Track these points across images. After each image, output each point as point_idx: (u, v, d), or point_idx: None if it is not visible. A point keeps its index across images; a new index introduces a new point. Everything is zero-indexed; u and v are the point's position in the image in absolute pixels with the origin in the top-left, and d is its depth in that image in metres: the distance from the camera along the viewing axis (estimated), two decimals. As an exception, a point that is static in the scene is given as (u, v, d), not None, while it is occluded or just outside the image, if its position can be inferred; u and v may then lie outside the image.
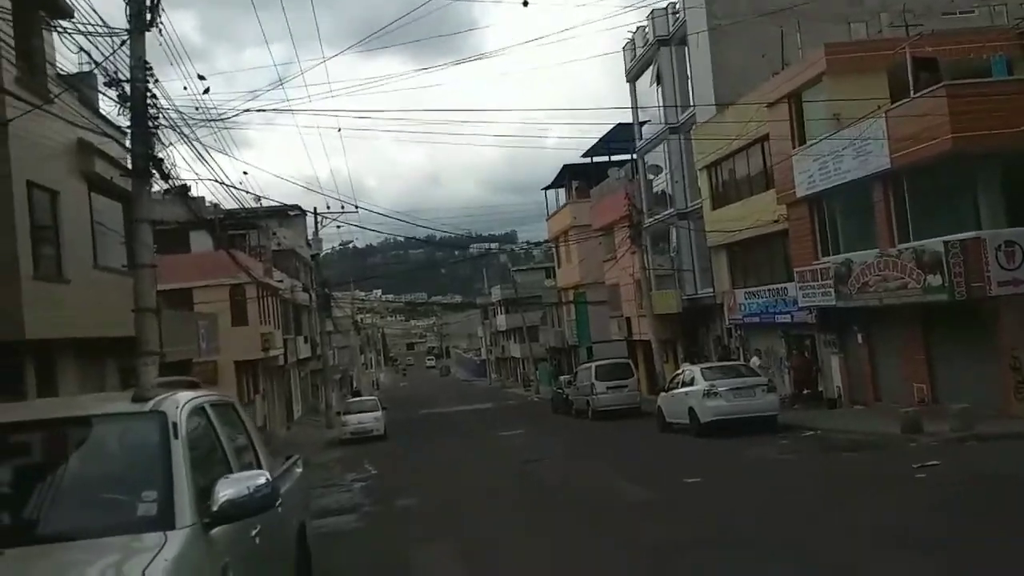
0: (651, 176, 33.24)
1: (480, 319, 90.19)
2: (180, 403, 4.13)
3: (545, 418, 32.24)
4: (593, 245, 39.17)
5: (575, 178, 44.54)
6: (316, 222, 37.03)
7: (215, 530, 3.60)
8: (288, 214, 42.85)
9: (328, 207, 36.59)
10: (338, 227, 37.66)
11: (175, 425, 3.86)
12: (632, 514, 10.21)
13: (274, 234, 32.74)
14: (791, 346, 24.33)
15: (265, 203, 33.19)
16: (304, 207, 43.63)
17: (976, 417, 14.57)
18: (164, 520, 3.38)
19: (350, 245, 47.08)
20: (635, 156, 35.42)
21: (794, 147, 21.00)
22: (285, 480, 5.94)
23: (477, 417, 35.72)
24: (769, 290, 24.31)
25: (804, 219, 21.38)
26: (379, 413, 29.40)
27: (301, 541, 5.91)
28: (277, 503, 5.21)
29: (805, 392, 23.00)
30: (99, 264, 14.99)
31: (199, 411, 4.36)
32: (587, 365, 30.77)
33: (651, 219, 31.98)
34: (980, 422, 14.51)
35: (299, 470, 6.68)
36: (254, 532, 4.24)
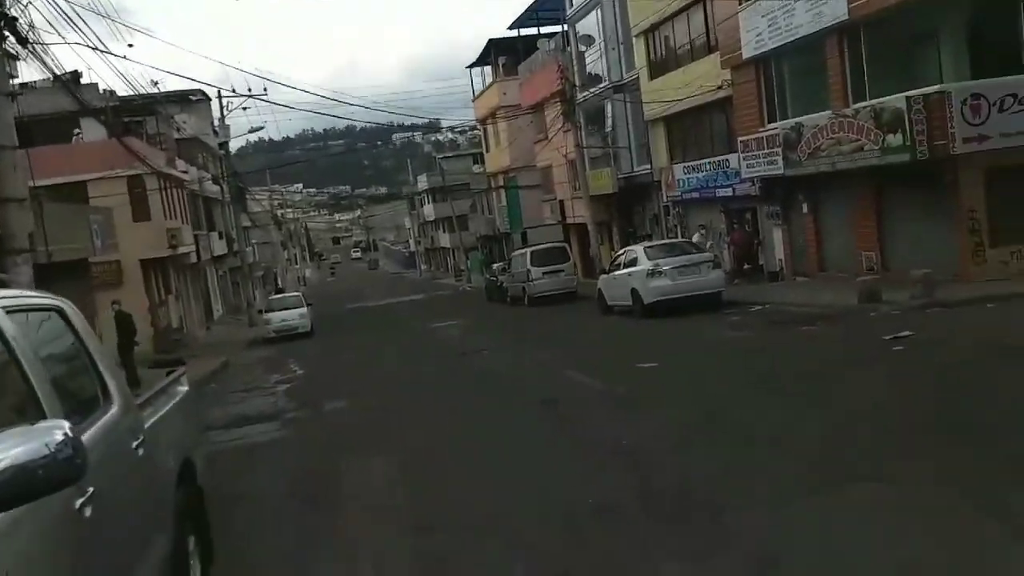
0: (583, 48, 31.13)
1: (407, 210, 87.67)
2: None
3: (480, 307, 31.16)
4: (523, 125, 37.23)
5: (501, 54, 41.93)
6: (221, 105, 33.99)
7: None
8: (190, 99, 39.29)
9: (234, 90, 33.30)
10: (245, 109, 34.50)
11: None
12: (588, 407, 9.09)
13: (172, 118, 29.71)
14: (732, 221, 23.49)
15: (165, 89, 30.08)
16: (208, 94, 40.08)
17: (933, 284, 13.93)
18: None
19: (262, 131, 43.76)
20: (566, 26, 33.11)
21: (740, 3, 19.37)
22: (157, 406, 4.45)
23: (409, 309, 34.45)
24: (710, 163, 23.19)
25: (750, 83, 20.04)
26: (304, 309, 27.75)
27: (186, 481, 4.48)
28: (135, 445, 3.74)
29: (746, 267, 22.40)
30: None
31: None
32: (522, 251, 29.56)
33: (585, 94, 30.16)
34: (938, 289, 13.88)
35: (182, 388, 5.17)
36: (80, 502, 2.76)
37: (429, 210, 70.94)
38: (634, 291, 18.05)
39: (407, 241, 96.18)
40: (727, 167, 22.16)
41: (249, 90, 37.00)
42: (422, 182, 73.00)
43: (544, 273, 27.21)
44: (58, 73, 14.03)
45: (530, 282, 27.21)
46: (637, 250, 19.29)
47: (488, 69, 44.81)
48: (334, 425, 10.56)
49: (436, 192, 65.25)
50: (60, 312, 3.63)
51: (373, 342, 22.00)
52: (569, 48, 32.47)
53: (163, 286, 28.66)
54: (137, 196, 25.48)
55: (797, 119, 18.15)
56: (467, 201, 56.29)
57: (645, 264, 17.90)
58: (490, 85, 43.47)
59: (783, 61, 19.06)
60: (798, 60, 18.63)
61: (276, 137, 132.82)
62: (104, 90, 28.23)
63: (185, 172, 31.51)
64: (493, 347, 16.72)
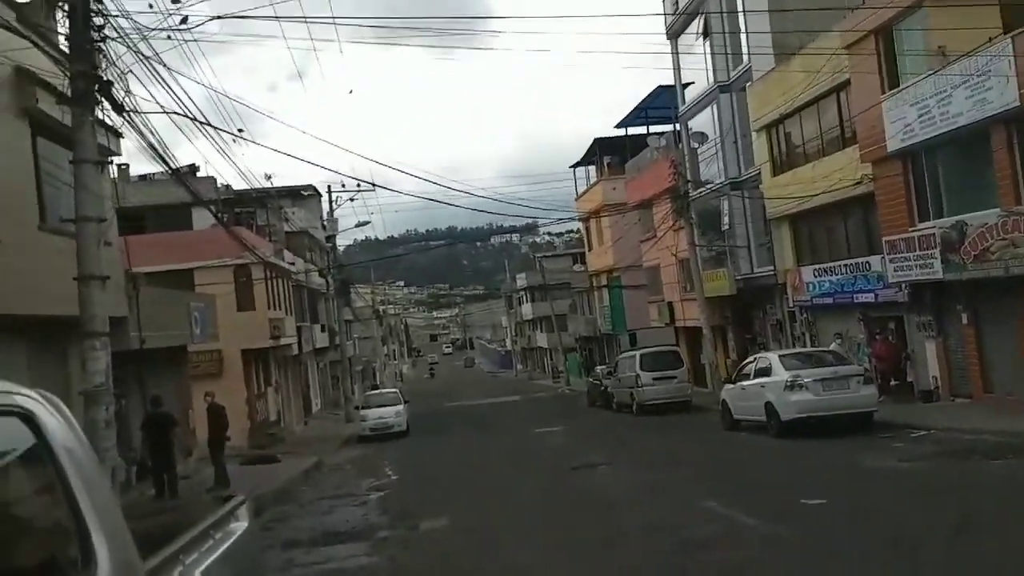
0: (696, 145, 29.96)
1: (504, 308, 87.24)
2: None
3: (582, 412, 29.25)
4: (629, 224, 35.98)
5: (607, 153, 41.35)
6: (331, 200, 34.33)
7: None
8: (301, 194, 40.15)
9: (343, 186, 33.78)
10: (352, 200, 34.48)
11: None
12: (752, 559, 7.14)
13: (282, 208, 29.92)
14: (872, 330, 21.05)
15: (278, 184, 30.56)
16: (319, 190, 40.86)
17: None
18: None
19: (367, 228, 44.21)
20: (677, 123, 32.12)
21: (884, 91, 17.71)
22: (191, 563, 3.01)
23: (507, 411, 32.81)
24: (846, 265, 21.05)
25: (896, 178, 18.08)
26: (401, 407, 26.57)
27: None
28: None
29: (892, 384, 19.78)
30: (47, 225, 12.15)
31: None
32: (630, 354, 27.72)
33: (700, 191, 28.72)
34: None
35: (239, 524, 3.73)
36: None
37: (527, 309, 70.08)
38: (768, 405, 15.93)
39: (503, 340, 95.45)
40: (867, 270, 20.00)
41: (358, 185, 37.31)
42: (520, 280, 72.53)
43: (655, 379, 25.26)
44: (153, 143, 13.47)
45: (639, 388, 25.26)
46: (770, 358, 17.25)
47: (592, 169, 44.27)
48: (432, 552, 8.94)
49: (534, 291, 64.45)
50: (26, 418, 2.25)
51: (472, 447, 20.43)
52: (681, 145, 31.38)
53: (263, 378, 28.16)
54: (242, 285, 25.31)
55: (958, 217, 16.05)
56: (566, 301, 55.07)
57: (782, 375, 15.82)
58: (595, 183, 42.75)
59: (936, 154, 17.13)
60: (956, 152, 16.68)
61: (381, 236, 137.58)
62: (221, 185, 28.82)
63: (292, 264, 31.55)
64: (608, 461, 14.83)
